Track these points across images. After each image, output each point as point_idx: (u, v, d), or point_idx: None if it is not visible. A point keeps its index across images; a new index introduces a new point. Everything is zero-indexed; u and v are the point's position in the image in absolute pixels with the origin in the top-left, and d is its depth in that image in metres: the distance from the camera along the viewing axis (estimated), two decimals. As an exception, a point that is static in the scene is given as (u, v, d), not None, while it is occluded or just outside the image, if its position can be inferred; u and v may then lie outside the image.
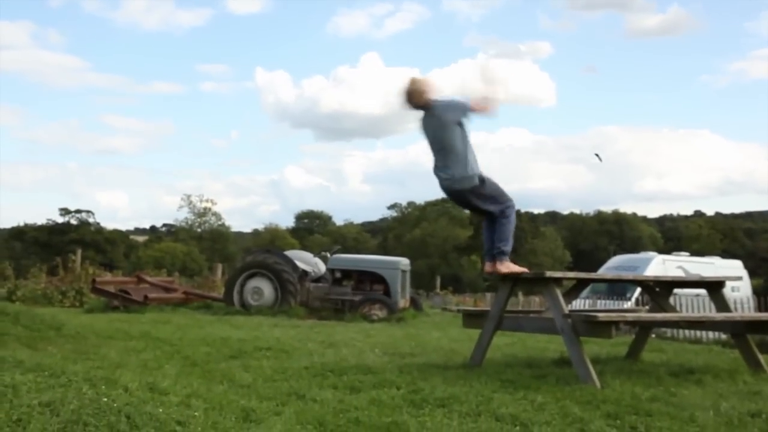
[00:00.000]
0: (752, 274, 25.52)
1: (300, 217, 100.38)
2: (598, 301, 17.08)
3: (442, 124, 6.51)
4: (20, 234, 73.94)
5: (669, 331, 11.06)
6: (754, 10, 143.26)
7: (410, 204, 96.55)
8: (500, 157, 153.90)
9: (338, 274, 14.64)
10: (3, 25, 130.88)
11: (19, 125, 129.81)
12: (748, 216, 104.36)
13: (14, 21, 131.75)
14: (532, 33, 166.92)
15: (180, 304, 14.71)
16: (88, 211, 77.94)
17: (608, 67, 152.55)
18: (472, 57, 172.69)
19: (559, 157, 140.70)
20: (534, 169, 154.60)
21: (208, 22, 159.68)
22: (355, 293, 14.07)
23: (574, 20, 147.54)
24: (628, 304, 16.31)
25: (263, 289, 13.92)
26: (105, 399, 3.59)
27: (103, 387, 3.96)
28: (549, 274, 6.12)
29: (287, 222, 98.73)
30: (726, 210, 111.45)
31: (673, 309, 7.62)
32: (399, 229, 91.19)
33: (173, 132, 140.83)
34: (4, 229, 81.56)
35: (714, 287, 7.18)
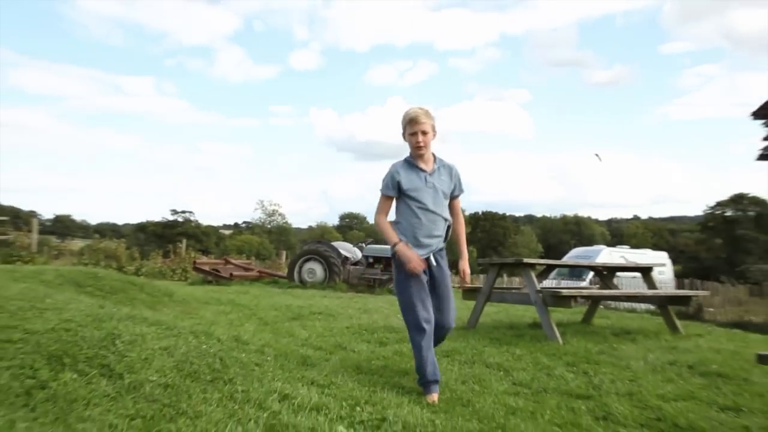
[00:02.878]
0: (674, 262, 25.21)
1: (342, 217, 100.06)
2: (562, 281, 16.97)
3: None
4: (143, 228, 74.72)
5: (613, 303, 10.99)
6: (675, 68, 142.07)
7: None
8: (492, 173, 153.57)
9: (371, 260, 14.67)
10: (133, 78, 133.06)
11: (143, 149, 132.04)
12: (671, 219, 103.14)
13: (140, 76, 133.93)
14: (515, 83, 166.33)
15: (255, 280, 14.86)
16: (190, 212, 78.48)
17: (571, 108, 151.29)
18: (470, 99, 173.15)
19: (536, 174, 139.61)
20: (517, 182, 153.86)
21: (278, 74, 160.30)
22: (383, 273, 14.10)
23: (546, 74, 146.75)
24: (584, 284, 16.21)
25: (316, 270, 13.99)
26: (204, 346, 3.65)
27: (203, 338, 4.02)
28: (526, 260, 6.12)
29: (333, 221, 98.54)
30: (656, 215, 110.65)
31: (616, 287, 7.60)
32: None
33: (251, 154, 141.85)
34: (133, 224, 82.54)
35: (646, 271, 7.16)
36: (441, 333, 3.79)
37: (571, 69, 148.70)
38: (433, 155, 3.75)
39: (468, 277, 3.91)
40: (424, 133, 3.62)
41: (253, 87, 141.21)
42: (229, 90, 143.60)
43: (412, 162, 3.70)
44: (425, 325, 3.52)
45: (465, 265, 3.87)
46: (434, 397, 3.45)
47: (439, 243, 3.73)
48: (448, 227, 3.82)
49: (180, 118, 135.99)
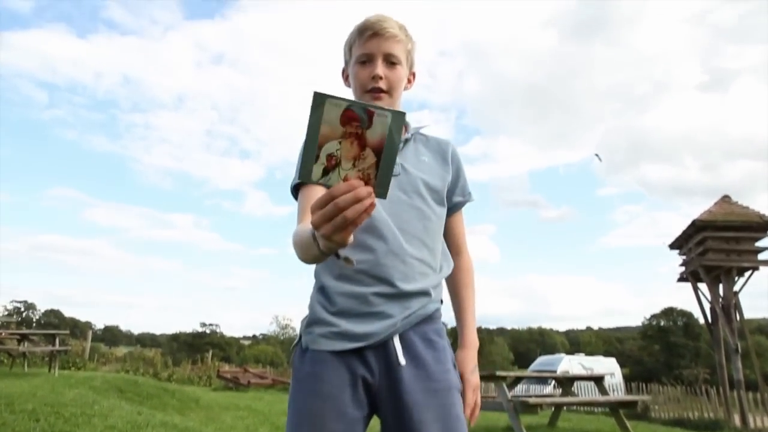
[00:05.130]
0: (622, 365, 24.59)
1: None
2: (531, 386, 16.39)
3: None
4: (176, 337, 72.71)
5: (573, 407, 10.61)
6: (608, 207, 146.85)
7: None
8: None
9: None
10: (177, 216, 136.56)
11: (181, 273, 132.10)
12: (617, 329, 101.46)
13: (183, 214, 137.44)
14: (484, 219, 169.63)
15: (270, 386, 14.32)
16: (216, 324, 76.68)
17: (529, 239, 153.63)
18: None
19: (503, 293, 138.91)
20: (489, 300, 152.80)
21: (291, 214, 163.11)
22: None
23: (507, 212, 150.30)
24: (549, 389, 15.66)
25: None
26: (225, 450, 3.49)
27: (224, 442, 3.86)
28: (498, 373, 5.96)
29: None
30: (604, 325, 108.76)
31: (574, 394, 7.39)
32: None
33: (270, 277, 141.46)
34: (168, 334, 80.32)
35: (599, 380, 7.01)
36: None
37: (527, 208, 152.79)
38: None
39: (474, 408, 1.29)
40: (390, 62, 1.27)
41: (273, 223, 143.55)
42: (253, 225, 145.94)
43: None
44: None
45: (468, 372, 1.30)
46: None
47: (421, 304, 1.20)
48: (441, 272, 1.29)
49: (212, 247, 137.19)
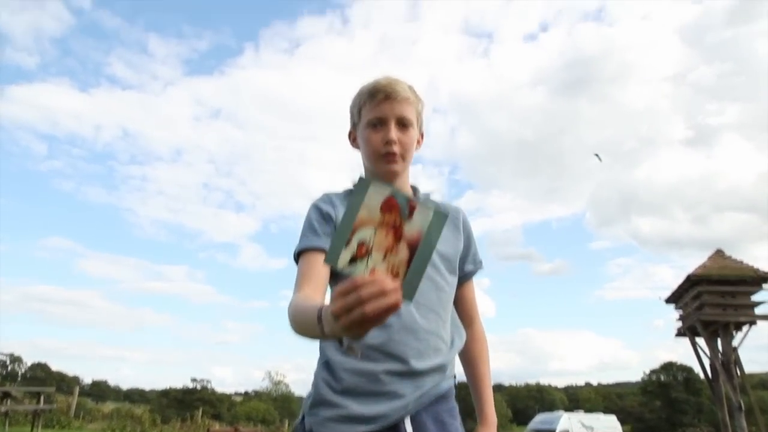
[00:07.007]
0: (623, 422, 23.82)
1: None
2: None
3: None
4: (167, 393, 70.25)
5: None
6: (601, 260, 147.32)
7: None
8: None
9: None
10: (170, 268, 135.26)
11: (173, 326, 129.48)
12: (617, 384, 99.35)
13: (177, 266, 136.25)
14: (479, 273, 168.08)
15: (261, 445, 13.76)
16: (207, 380, 74.41)
17: (524, 293, 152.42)
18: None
19: (500, 348, 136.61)
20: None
21: (287, 266, 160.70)
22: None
23: (502, 265, 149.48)
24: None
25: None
26: None
27: None
28: None
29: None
30: (604, 381, 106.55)
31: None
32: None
33: (263, 331, 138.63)
34: (158, 390, 77.95)
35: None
36: None
37: (521, 262, 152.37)
38: (413, 188, 1.35)
39: None
40: (403, 125, 1.26)
41: (267, 275, 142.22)
42: (247, 278, 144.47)
43: None
44: None
45: None
46: None
47: (434, 383, 1.19)
48: (453, 345, 1.27)
49: (204, 300, 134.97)
